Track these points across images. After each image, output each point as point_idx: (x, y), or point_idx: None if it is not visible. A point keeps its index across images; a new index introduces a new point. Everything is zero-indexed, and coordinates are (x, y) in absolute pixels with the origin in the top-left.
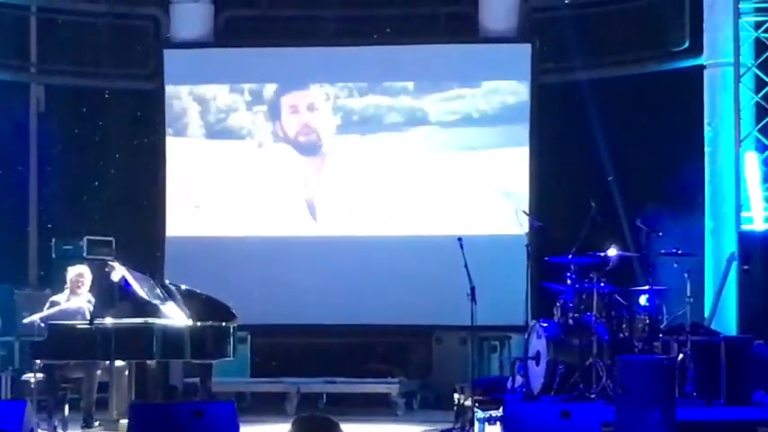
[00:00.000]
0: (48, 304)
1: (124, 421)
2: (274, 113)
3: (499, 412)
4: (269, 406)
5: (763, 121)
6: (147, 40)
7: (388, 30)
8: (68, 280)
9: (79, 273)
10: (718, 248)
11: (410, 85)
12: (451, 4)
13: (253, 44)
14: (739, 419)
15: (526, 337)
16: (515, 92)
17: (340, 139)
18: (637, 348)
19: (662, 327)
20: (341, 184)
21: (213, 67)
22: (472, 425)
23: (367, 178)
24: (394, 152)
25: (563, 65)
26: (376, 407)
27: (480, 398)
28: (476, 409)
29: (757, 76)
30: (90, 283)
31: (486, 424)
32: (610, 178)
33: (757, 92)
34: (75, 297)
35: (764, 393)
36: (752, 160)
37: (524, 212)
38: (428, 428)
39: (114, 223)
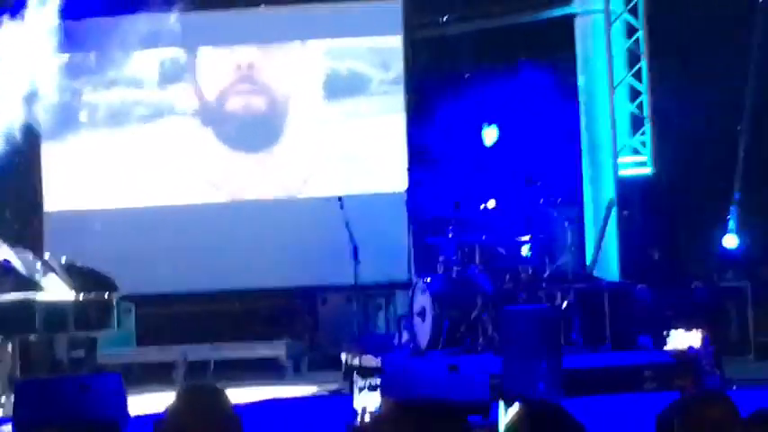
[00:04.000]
0: None
1: (10, 398)
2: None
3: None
4: (157, 376)
5: (636, 67)
6: None
7: None
8: None
9: None
10: (598, 196)
11: (281, 47)
12: None
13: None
14: (626, 364)
15: (410, 293)
16: (388, 49)
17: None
18: (521, 299)
19: (545, 276)
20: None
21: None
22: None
23: (243, 141)
24: (264, 113)
25: (435, 19)
26: (265, 371)
27: (363, 363)
28: (355, 377)
29: (628, 23)
30: None
31: (366, 390)
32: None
33: (628, 38)
34: None
35: (648, 337)
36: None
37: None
38: (318, 390)
39: None
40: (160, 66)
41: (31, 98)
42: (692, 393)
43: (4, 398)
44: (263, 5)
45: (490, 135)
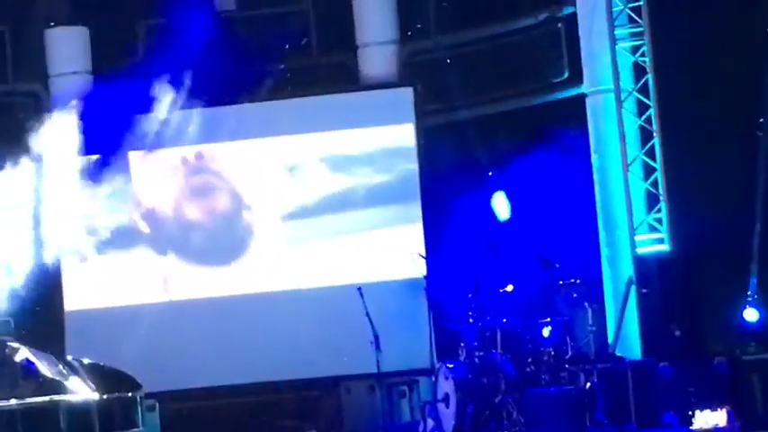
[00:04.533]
0: None
1: None
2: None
3: None
4: None
5: (648, 144)
6: (29, 115)
7: (267, 85)
8: None
9: None
10: (616, 274)
11: (294, 139)
12: (330, 55)
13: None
14: None
15: (433, 379)
16: (401, 137)
17: None
18: (544, 381)
19: (567, 357)
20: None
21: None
22: None
23: (255, 235)
24: (284, 207)
25: (446, 105)
26: None
27: None
28: None
29: (638, 100)
30: None
31: None
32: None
33: (639, 115)
34: None
35: (673, 415)
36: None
37: (420, 256)
38: None
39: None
40: None
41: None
42: None
43: None
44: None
45: (501, 205)
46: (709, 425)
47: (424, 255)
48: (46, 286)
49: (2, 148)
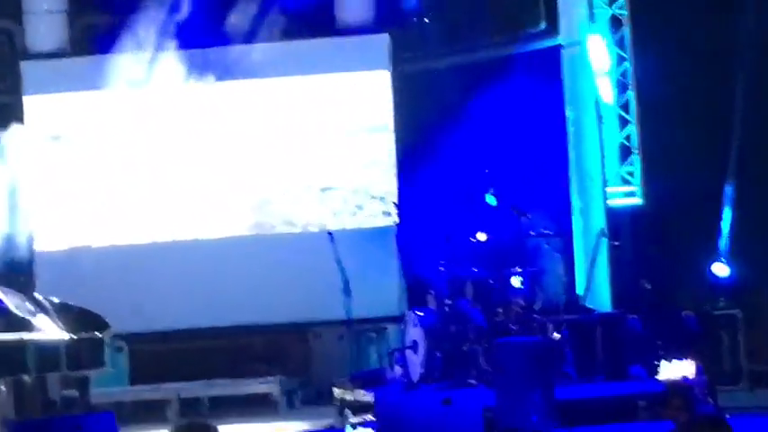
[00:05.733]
0: None
1: None
2: None
3: (371, 416)
4: (150, 413)
5: (624, 98)
6: (3, 52)
7: (243, 29)
8: None
9: None
10: (587, 226)
11: (267, 81)
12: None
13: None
14: (619, 395)
15: (402, 327)
16: (376, 83)
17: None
18: (513, 331)
19: (537, 308)
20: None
21: (71, 76)
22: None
23: (228, 178)
24: (254, 149)
25: (422, 53)
26: (258, 407)
27: (356, 399)
28: (347, 413)
29: (615, 53)
30: None
31: (360, 428)
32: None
33: (616, 68)
34: None
35: (641, 367)
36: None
37: (393, 203)
38: (312, 426)
39: None
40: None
41: None
42: (688, 420)
43: None
44: None
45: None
46: (676, 375)
47: (396, 202)
48: (16, 227)
49: None
